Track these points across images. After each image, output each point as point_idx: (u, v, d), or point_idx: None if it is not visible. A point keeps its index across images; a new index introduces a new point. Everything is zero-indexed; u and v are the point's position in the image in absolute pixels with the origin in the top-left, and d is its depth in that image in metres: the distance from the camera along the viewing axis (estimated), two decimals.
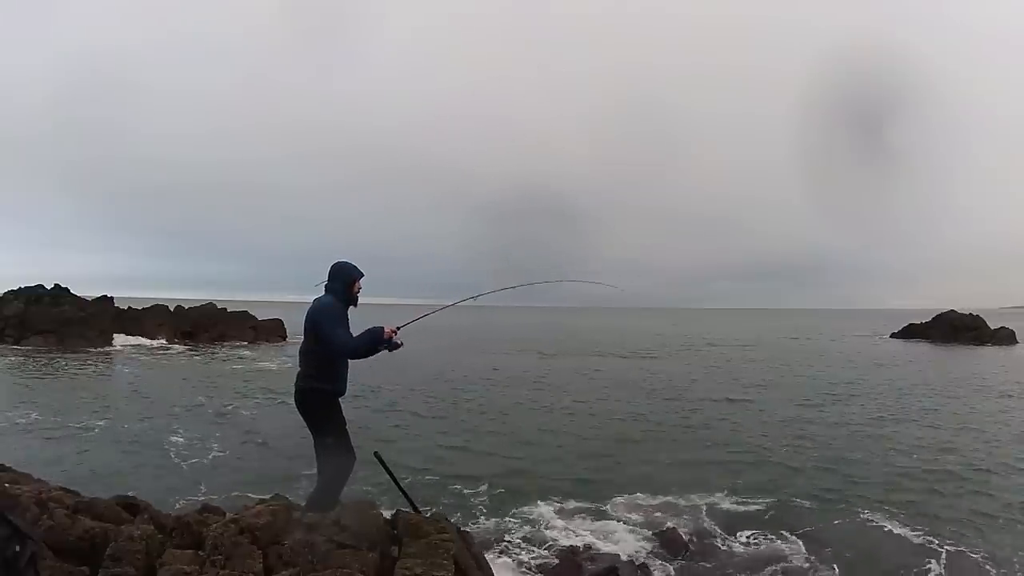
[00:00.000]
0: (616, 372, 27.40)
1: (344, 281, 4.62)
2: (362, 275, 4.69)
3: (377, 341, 4.48)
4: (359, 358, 4.65)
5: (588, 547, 7.65)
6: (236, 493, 9.39)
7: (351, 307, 4.70)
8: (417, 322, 5.10)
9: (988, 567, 7.50)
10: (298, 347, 4.82)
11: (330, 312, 4.52)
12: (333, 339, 4.45)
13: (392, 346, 4.54)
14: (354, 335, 4.54)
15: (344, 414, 4.77)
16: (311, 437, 4.71)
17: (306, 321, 4.59)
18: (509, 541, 7.83)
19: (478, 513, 8.83)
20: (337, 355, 4.52)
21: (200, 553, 3.98)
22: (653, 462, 11.47)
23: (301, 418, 4.71)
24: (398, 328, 4.58)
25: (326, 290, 4.65)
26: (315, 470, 4.72)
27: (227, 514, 4.86)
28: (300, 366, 4.65)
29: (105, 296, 40.61)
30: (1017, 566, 7.51)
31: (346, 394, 4.76)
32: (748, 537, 8.27)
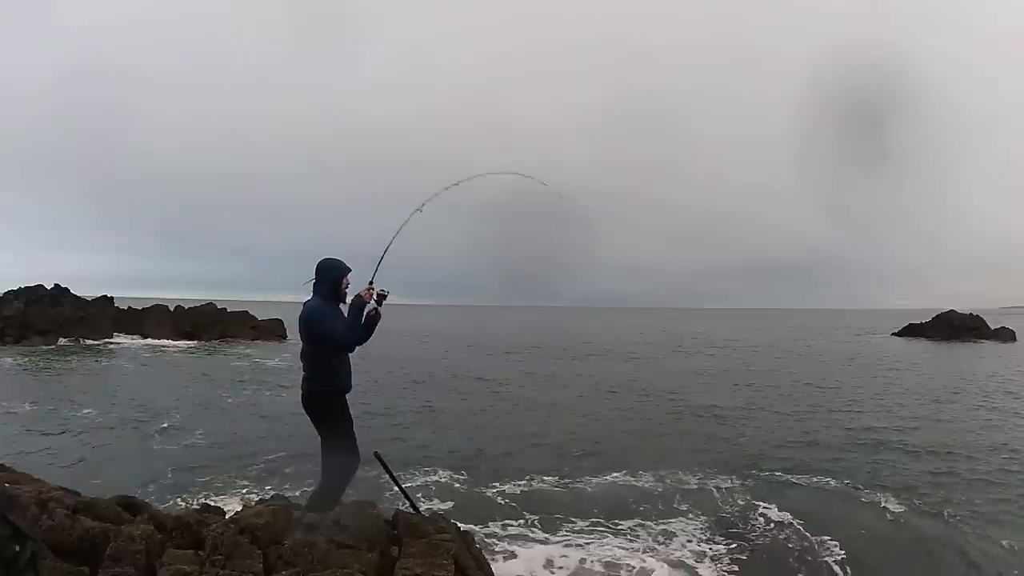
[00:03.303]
0: (617, 372, 27.39)
1: (329, 281, 4.62)
2: (349, 270, 4.69)
3: (362, 309, 4.57)
4: (366, 339, 4.70)
5: (589, 546, 7.65)
6: (234, 490, 9.42)
7: (341, 304, 4.73)
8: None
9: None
10: (297, 346, 4.85)
11: (321, 314, 4.54)
12: (336, 337, 4.48)
13: (380, 301, 4.63)
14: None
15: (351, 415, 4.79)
16: (313, 435, 4.74)
17: (300, 326, 4.60)
18: (510, 540, 7.81)
19: (478, 512, 8.81)
20: (346, 349, 4.56)
21: (200, 553, 3.99)
22: (657, 464, 11.41)
23: (303, 416, 4.75)
24: (371, 282, 4.64)
25: (314, 290, 4.66)
26: (312, 466, 4.75)
27: (227, 514, 4.87)
28: (304, 370, 4.68)
29: (105, 296, 40.66)
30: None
31: (351, 390, 4.77)
32: (762, 529, 8.35)
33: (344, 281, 4.65)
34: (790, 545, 7.91)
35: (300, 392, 4.72)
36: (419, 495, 9.06)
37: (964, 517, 8.86)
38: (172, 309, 42.58)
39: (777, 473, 10.94)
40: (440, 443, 12.99)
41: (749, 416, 16.46)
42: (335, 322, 4.53)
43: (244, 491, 9.37)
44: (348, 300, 4.69)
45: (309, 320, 4.53)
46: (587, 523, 8.38)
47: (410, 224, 4.90)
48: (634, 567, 7.13)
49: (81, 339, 34.44)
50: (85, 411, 15.70)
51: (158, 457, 11.52)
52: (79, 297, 37.56)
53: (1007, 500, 9.69)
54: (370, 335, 4.71)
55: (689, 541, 7.89)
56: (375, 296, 4.60)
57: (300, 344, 4.76)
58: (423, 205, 4.94)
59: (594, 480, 10.36)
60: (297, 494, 7.78)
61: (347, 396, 4.76)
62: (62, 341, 32.65)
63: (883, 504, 9.37)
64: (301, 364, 4.71)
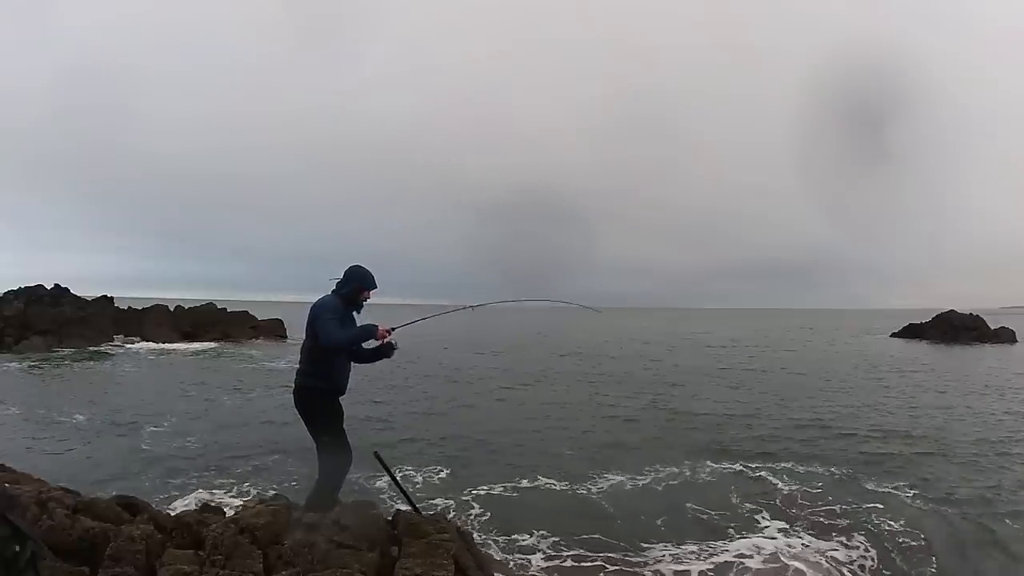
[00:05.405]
0: (617, 371, 27.39)
1: (354, 288, 4.71)
2: (375, 287, 4.77)
3: (368, 336, 4.60)
4: (365, 360, 4.75)
5: (591, 545, 7.63)
6: (234, 490, 9.42)
7: (355, 312, 4.78)
8: (412, 324, 5.15)
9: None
10: (297, 347, 4.89)
11: (327, 308, 4.58)
12: (323, 333, 4.50)
13: (388, 349, 4.68)
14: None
15: (344, 413, 4.81)
16: (308, 434, 4.75)
17: (308, 319, 4.66)
18: (510, 541, 7.80)
19: (478, 512, 8.81)
20: (327, 348, 4.56)
21: (200, 553, 4.00)
22: (660, 463, 11.38)
23: (298, 415, 4.76)
24: (392, 329, 4.65)
25: (336, 288, 4.73)
26: (313, 466, 4.78)
27: (227, 514, 4.88)
28: (300, 363, 4.71)
29: (105, 296, 40.64)
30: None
31: (346, 393, 4.80)
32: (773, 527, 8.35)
33: (365, 294, 4.72)
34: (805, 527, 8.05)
35: (293, 387, 4.75)
36: (419, 495, 9.06)
37: (971, 507, 9.13)
38: (172, 309, 42.58)
39: (776, 465, 11.09)
40: (440, 442, 12.98)
41: (747, 415, 16.46)
42: (335, 321, 4.56)
43: (244, 491, 9.37)
44: (363, 310, 4.83)
45: (314, 312, 4.59)
46: (588, 521, 8.34)
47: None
48: (635, 565, 7.13)
49: (81, 339, 34.34)
50: (86, 413, 15.69)
51: (158, 458, 11.52)
52: (79, 297, 37.50)
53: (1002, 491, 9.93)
54: (367, 360, 4.83)
55: (685, 542, 7.84)
56: (388, 340, 4.65)
57: (301, 345, 4.80)
58: (475, 307, 5.64)
59: (596, 479, 10.34)
60: (297, 494, 7.79)
61: (344, 396, 4.79)
62: (65, 351, 32.37)
63: (894, 493, 9.74)
64: (300, 358, 4.74)
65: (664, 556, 7.39)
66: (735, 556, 7.35)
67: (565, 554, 7.37)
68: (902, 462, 11.56)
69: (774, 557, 7.32)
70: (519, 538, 7.76)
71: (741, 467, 11.12)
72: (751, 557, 7.30)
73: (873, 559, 7.32)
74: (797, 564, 7.09)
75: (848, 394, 20.48)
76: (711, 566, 7.13)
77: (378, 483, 9.09)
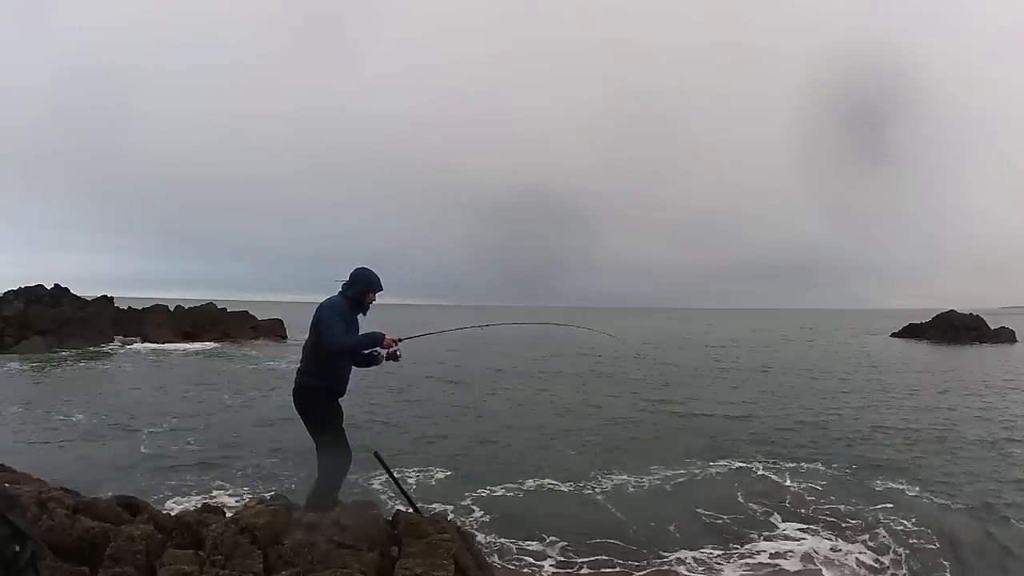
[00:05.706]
0: (619, 372, 27.39)
1: (359, 290, 4.72)
2: (380, 289, 4.77)
3: (374, 344, 4.57)
4: (359, 364, 4.74)
5: (592, 546, 7.62)
6: (234, 489, 9.41)
7: (360, 315, 4.78)
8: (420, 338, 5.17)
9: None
10: (298, 347, 4.90)
11: (333, 309, 4.58)
12: (327, 334, 4.49)
13: (391, 357, 4.65)
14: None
15: (343, 413, 4.81)
16: (308, 434, 4.75)
17: (313, 318, 4.66)
18: (517, 546, 7.77)
19: (480, 515, 8.79)
20: (330, 350, 4.55)
21: (200, 553, 3.99)
22: (662, 463, 11.40)
23: (297, 415, 4.75)
24: (400, 339, 4.63)
25: (342, 290, 4.73)
26: (312, 466, 4.78)
27: (227, 514, 4.87)
28: (301, 362, 4.70)
29: (105, 296, 40.63)
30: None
31: (345, 394, 4.79)
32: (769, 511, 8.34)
33: (371, 296, 4.73)
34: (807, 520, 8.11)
35: (293, 386, 4.74)
36: (418, 495, 9.05)
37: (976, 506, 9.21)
38: (172, 309, 42.56)
39: (779, 464, 11.10)
40: (440, 443, 12.98)
41: (748, 415, 16.47)
42: (341, 323, 4.55)
43: (244, 491, 9.37)
44: (367, 314, 4.81)
45: (318, 313, 4.59)
46: (597, 525, 8.28)
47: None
48: (658, 571, 7.07)
49: (81, 339, 34.31)
50: (85, 413, 15.69)
51: (158, 457, 11.52)
52: (79, 297, 37.47)
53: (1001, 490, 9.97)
54: (363, 362, 4.76)
55: (703, 545, 7.74)
56: (392, 349, 4.62)
57: (302, 345, 4.81)
58: (485, 326, 6.08)
59: (601, 480, 10.33)
60: (297, 494, 7.78)
61: (344, 397, 4.79)
62: (65, 351, 32.32)
63: (900, 493, 9.77)
64: (301, 356, 4.74)
65: (687, 559, 7.16)
66: (769, 558, 7.16)
67: (579, 561, 7.13)
68: (904, 462, 11.58)
69: (807, 558, 7.15)
70: (527, 544, 7.62)
71: (745, 467, 11.12)
72: (785, 558, 7.16)
73: (901, 563, 7.27)
74: (831, 571, 6.97)
75: (849, 394, 20.49)
76: (746, 569, 6.98)
77: (378, 483, 9.09)
